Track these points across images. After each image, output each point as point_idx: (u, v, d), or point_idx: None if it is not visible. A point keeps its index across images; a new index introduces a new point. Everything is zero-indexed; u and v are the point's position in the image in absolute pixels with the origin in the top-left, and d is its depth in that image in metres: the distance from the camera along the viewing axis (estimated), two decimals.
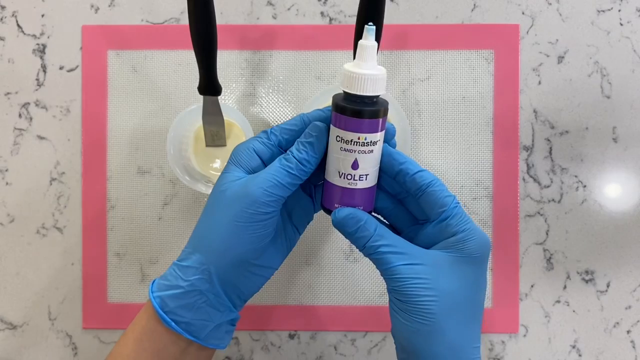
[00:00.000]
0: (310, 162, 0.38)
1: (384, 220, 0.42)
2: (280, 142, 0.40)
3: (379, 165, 0.39)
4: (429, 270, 0.36)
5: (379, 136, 0.37)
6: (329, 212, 0.40)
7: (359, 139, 0.37)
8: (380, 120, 0.37)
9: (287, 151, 0.39)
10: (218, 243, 0.38)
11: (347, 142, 0.37)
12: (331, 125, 0.38)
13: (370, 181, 0.39)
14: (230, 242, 0.38)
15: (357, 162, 0.37)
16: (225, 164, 0.41)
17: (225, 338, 0.42)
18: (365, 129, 0.36)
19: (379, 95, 0.37)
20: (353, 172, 0.38)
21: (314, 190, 0.43)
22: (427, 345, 0.36)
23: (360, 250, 0.39)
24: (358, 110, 0.36)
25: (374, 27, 0.36)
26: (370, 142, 0.37)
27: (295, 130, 0.40)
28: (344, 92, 0.37)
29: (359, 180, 0.38)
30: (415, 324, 0.36)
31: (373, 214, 0.41)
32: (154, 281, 0.41)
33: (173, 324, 0.39)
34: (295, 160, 0.38)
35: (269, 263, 0.41)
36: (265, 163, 0.40)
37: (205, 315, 0.39)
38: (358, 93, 0.36)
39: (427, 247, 0.39)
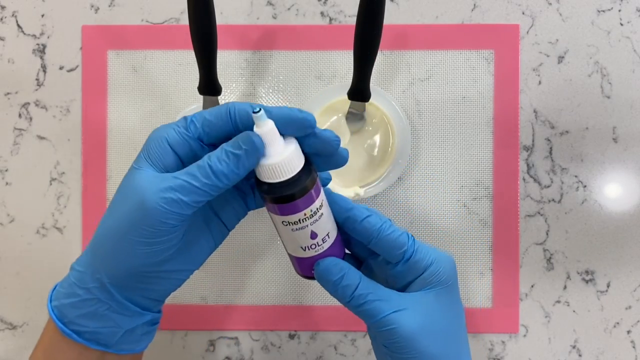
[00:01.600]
0: (229, 178, 0.32)
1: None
2: (200, 134, 0.34)
3: (332, 218, 0.38)
4: (417, 314, 0.36)
5: (321, 198, 0.36)
6: (309, 278, 0.39)
7: (304, 215, 0.35)
8: (312, 190, 0.35)
9: (206, 156, 0.33)
10: (110, 253, 0.34)
11: (294, 223, 0.35)
12: (270, 214, 0.36)
13: (333, 235, 0.37)
14: (122, 256, 0.34)
15: (314, 232, 0.36)
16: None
17: (143, 340, 0.38)
18: (303, 206, 0.35)
19: (302, 171, 0.35)
20: (314, 241, 0.36)
21: (249, 188, 0.39)
22: None
23: (346, 303, 0.36)
24: (288, 196, 0.34)
25: (261, 111, 0.33)
26: (316, 209, 0.35)
27: (218, 125, 0.34)
28: (265, 182, 0.35)
29: (324, 242, 0.37)
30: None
31: None
32: (55, 286, 0.37)
33: (74, 335, 0.35)
34: (211, 171, 0.32)
35: (182, 267, 0.36)
36: (182, 160, 0.35)
37: (111, 323, 0.35)
38: (277, 181, 0.34)
39: (401, 287, 0.38)
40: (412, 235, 0.38)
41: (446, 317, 0.37)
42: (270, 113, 0.34)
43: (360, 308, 0.36)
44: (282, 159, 0.34)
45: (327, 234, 0.37)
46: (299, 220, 0.35)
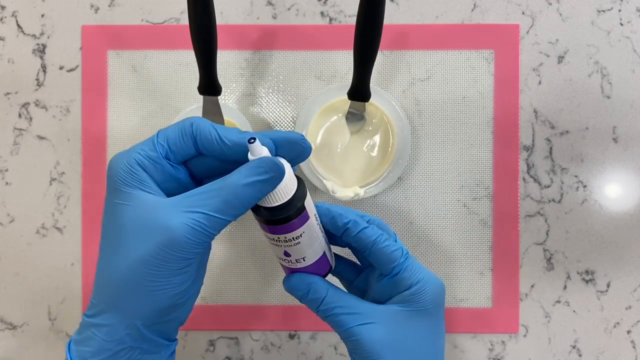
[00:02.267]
0: (252, 204, 0.33)
1: (340, 285, 0.42)
2: (167, 154, 0.34)
3: (317, 242, 0.38)
4: (385, 329, 0.36)
5: (300, 232, 0.36)
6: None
7: (279, 239, 0.36)
8: (294, 220, 0.35)
9: (228, 184, 0.32)
10: (141, 295, 0.32)
11: (271, 239, 0.36)
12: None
13: (310, 259, 0.38)
14: (153, 294, 0.32)
15: (287, 252, 0.37)
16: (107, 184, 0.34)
17: None
18: (281, 231, 0.35)
19: (291, 199, 0.35)
20: (288, 258, 0.37)
21: None
22: None
23: (316, 314, 0.38)
24: (270, 220, 0.35)
25: (256, 141, 0.32)
26: (292, 239, 0.36)
27: (185, 146, 0.34)
28: (261, 206, 0.35)
29: (297, 262, 0.38)
30: None
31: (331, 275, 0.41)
32: (69, 345, 0.34)
33: None
34: (239, 203, 0.32)
35: (199, 284, 0.36)
36: (157, 183, 0.34)
37: None
38: (264, 205, 0.35)
39: (384, 300, 0.38)
40: (408, 253, 0.39)
41: (418, 338, 0.37)
42: (267, 138, 0.34)
43: (327, 320, 0.37)
44: (283, 184, 0.34)
45: (303, 258, 0.37)
46: (274, 239, 0.36)
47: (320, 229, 0.38)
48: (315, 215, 0.37)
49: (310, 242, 0.37)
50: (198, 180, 0.36)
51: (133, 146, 0.34)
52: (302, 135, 0.35)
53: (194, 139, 0.34)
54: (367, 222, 0.39)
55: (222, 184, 0.32)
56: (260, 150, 0.33)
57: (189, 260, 0.32)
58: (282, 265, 0.39)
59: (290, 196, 0.34)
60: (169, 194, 0.34)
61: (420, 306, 0.37)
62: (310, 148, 0.35)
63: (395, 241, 0.39)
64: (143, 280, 0.32)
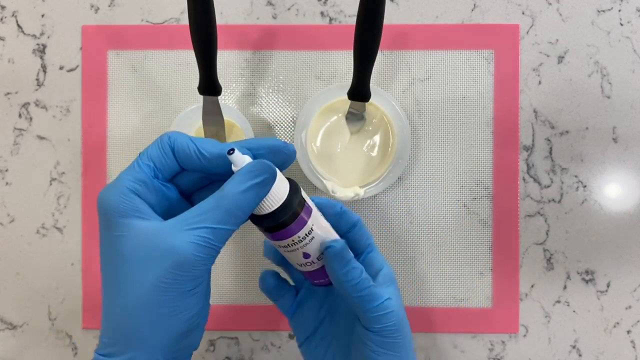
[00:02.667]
0: (253, 209, 0.33)
1: None
2: (155, 173, 0.34)
3: (329, 229, 0.38)
4: (398, 301, 0.40)
5: (309, 224, 0.36)
6: (321, 285, 0.40)
7: (292, 241, 0.36)
8: (299, 216, 0.35)
9: (225, 196, 0.32)
10: (158, 324, 0.32)
11: (285, 247, 0.36)
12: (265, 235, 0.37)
13: None
14: (169, 319, 0.32)
15: (307, 253, 0.37)
16: (100, 218, 0.33)
17: None
18: (291, 233, 0.35)
19: (289, 197, 0.34)
20: (308, 260, 0.37)
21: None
22: None
23: (346, 287, 0.38)
24: (274, 226, 0.35)
25: (234, 151, 0.32)
26: (305, 235, 0.36)
27: (168, 161, 0.34)
28: (255, 215, 0.35)
29: (318, 260, 0.38)
30: (394, 357, 0.39)
31: None
32: None
33: None
34: (240, 211, 0.32)
35: (207, 307, 0.36)
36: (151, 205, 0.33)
37: None
38: (262, 213, 0.34)
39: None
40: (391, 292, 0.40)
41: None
42: (245, 148, 0.34)
43: (361, 293, 0.38)
44: (275, 185, 0.33)
45: (321, 253, 0.37)
46: (288, 245, 0.36)
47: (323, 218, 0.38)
48: (314, 206, 0.37)
49: (323, 231, 0.37)
50: (187, 196, 0.36)
51: (118, 176, 0.33)
52: (284, 142, 0.35)
53: (174, 153, 0.34)
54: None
55: (219, 195, 0.32)
56: (242, 160, 0.33)
57: (200, 279, 0.32)
58: (306, 274, 0.39)
59: (286, 194, 0.34)
60: (164, 215, 0.34)
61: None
62: (294, 152, 0.35)
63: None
64: (158, 308, 0.31)
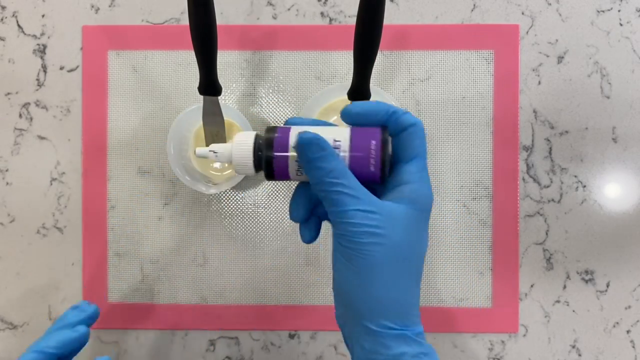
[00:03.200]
0: None
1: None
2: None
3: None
4: (383, 220, 0.33)
5: (290, 154, 0.35)
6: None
7: (293, 174, 0.35)
8: (274, 159, 0.35)
9: None
10: None
11: (295, 177, 0.36)
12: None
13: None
14: None
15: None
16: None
17: None
18: (283, 173, 0.35)
19: (253, 157, 0.35)
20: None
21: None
22: (366, 296, 0.33)
23: (313, 183, 0.34)
24: (267, 175, 0.36)
25: (208, 150, 0.36)
26: (299, 165, 0.35)
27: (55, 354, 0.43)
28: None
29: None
30: (356, 272, 0.33)
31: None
32: None
33: None
34: None
35: None
36: None
37: None
38: (245, 174, 0.36)
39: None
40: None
41: (411, 241, 0.34)
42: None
43: (324, 194, 0.34)
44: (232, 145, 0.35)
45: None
46: (293, 176, 0.36)
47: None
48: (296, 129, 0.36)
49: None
50: None
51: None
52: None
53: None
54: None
55: None
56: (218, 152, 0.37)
57: None
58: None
59: (250, 152, 0.35)
60: None
61: (416, 206, 0.34)
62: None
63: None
64: None
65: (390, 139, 0.36)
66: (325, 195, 0.34)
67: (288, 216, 0.44)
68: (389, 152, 0.35)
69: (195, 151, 0.37)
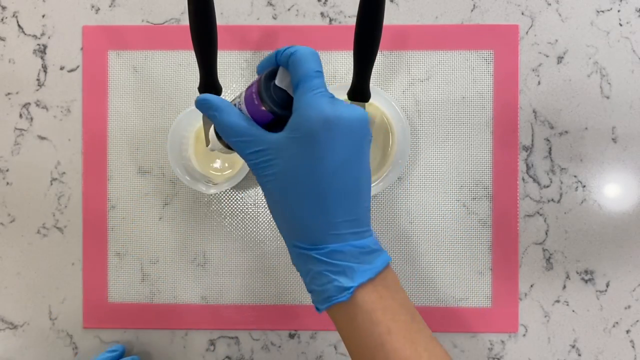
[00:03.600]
0: None
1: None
2: None
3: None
4: (272, 152, 0.37)
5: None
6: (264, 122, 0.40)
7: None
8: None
9: None
10: None
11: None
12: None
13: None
14: None
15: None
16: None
17: None
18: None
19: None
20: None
21: None
22: (279, 220, 0.38)
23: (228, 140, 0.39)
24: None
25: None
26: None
27: None
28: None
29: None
30: (270, 202, 0.38)
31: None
32: None
33: None
34: None
35: None
36: None
37: None
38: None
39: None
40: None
41: (299, 166, 0.36)
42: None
43: (229, 143, 0.39)
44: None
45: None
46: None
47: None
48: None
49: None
50: None
51: None
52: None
53: None
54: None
55: None
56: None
57: None
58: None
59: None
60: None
61: (297, 133, 0.36)
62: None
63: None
64: None
65: (285, 76, 0.38)
66: (231, 143, 0.39)
67: None
68: (269, 87, 0.38)
69: (209, 147, 0.42)
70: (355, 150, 0.37)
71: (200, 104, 0.39)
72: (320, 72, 0.38)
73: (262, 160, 0.37)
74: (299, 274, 0.52)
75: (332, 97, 0.37)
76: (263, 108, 0.38)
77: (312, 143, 0.36)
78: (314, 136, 0.36)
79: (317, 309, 0.38)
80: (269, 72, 0.39)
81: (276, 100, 0.38)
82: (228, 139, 0.38)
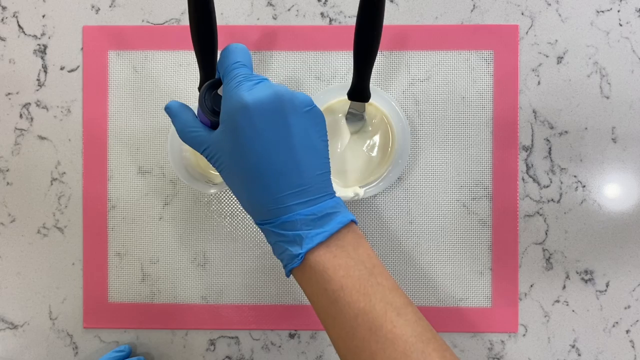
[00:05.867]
0: None
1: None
2: None
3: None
4: (215, 147, 0.41)
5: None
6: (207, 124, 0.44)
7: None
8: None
9: None
10: None
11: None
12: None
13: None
14: None
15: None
16: None
17: None
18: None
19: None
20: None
21: None
22: (244, 206, 0.42)
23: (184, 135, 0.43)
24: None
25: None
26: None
27: None
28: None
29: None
30: (231, 188, 0.42)
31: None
32: None
33: None
34: None
35: None
36: None
37: None
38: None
39: None
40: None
41: (231, 152, 0.40)
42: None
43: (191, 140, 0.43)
44: None
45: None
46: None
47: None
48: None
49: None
50: None
51: None
52: None
53: None
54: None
55: None
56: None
57: None
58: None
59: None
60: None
61: (223, 125, 0.40)
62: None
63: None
64: None
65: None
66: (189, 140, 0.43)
67: None
68: (206, 97, 0.43)
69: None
70: (281, 126, 0.40)
71: (165, 110, 0.44)
72: (240, 63, 0.42)
73: (210, 156, 0.42)
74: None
75: (259, 82, 0.40)
76: (204, 114, 0.43)
77: (236, 131, 0.39)
78: (235, 124, 0.39)
79: (286, 274, 0.41)
80: (210, 83, 0.43)
81: (213, 107, 0.43)
82: (184, 141, 0.43)
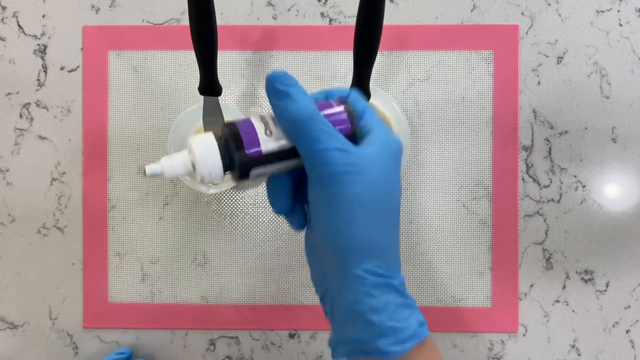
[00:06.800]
0: None
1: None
2: None
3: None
4: (359, 159, 0.32)
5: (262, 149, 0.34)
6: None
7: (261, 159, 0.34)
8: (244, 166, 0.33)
9: None
10: None
11: (265, 171, 0.35)
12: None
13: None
14: None
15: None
16: None
17: None
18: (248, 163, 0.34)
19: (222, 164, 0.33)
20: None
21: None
22: (349, 237, 0.32)
23: (283, 121, 0.33)
24: (241, 175, 0.34)
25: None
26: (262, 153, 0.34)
27: None
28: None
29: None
30: (337, 214, 0.32)
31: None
32: None
33: None
34: None
35: None
36: None
37: None
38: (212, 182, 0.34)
39: None
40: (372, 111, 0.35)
41: (384, 180, 0.33)
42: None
43: (299, 131, 0.32)
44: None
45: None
46: (261, 172, 0.35)
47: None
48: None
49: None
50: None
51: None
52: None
53: None
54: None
55: None
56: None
57: None
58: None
59: (218, 159, 0.33)
60: None
61: (387, 147, 0.34)
62: None
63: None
64: None
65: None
66: (301, 133, 0.32)
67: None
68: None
69: (145, 171, 0.34)
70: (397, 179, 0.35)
71: (273, 80, 0.33)
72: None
73: (347, 162, 0.32)
74: (298, 274, 0.51)
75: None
76: (348, 125, 0.34)
77: (398, 165, 0.34)
78: (399, 158, 0.34)
79: (388, 353, 0.31)
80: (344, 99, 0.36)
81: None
82: (308, 121, 0.32)
